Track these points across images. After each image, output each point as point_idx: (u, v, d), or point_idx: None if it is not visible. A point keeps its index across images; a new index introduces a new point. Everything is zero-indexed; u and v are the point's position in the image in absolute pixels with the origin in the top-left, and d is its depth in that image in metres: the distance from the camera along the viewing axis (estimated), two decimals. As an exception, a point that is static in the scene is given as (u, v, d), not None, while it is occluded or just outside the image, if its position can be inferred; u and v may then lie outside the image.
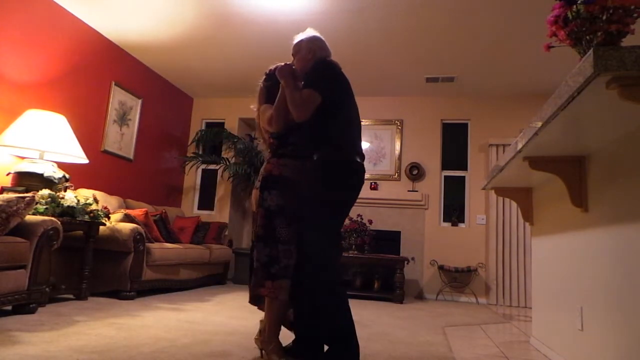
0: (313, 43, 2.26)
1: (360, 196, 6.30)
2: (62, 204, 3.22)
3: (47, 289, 2.94)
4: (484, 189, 3.09)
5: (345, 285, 5.35)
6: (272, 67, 2.35)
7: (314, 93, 2.02)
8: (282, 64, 2.19)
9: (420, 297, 5.46)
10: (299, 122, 2.06)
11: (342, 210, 2.05)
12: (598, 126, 1.63)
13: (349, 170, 2.05)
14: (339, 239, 2.14)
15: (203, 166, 6.27)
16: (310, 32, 2.31)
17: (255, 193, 2.19)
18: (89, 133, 4.50)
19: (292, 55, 2.31)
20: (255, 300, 2.16)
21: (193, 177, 6.34)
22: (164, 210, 4.78)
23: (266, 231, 2.04)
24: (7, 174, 3.42)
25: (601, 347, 1.85)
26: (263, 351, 2.09)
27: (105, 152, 4.75)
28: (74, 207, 3.28)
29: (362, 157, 2.10)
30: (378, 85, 5.61)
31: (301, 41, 2.28)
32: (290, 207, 2.06)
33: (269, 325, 2.06)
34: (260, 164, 5.58)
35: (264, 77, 2.38)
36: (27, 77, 3.77)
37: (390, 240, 5.64)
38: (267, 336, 2.06)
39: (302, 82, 2.14)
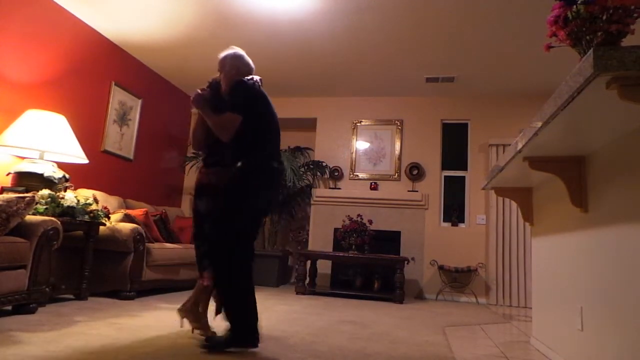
0: (236, 60, 2.49)
1: (360, 196, 6.33)
2: (62, 204, 3.22)
3: (47, 289, 2.94)
4: (484, 189, 3.09)
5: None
6: (216, 77, 2.56)
7: (233, 116, 2.28)
8: (196, 92, 2.38)
9: (420, 297, 5.46)
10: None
11: (261, 210, 2.33)
12: (598, 126, 1.63)
13: (269, 174, 2.33)
14: (254, 237, 2.37)
15: (203, 166, 6.27)
16: (233, 49, 2.52)
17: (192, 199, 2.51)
18: (89, 133, 4.50)
19: (218, 71, 2.52)
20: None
21: (193, 177, 6.34)
22: (164, 210, 4.78)
23: (199, 231, 2.41)
24: (7, 174, 3.42)
25: (601, 347, 1.85)
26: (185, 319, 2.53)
27: (105, 152, 4.75)
28: (74, 207, 3.28)
29: (280, 161, 2.41)
30: (378, 85, 5.61)
31: (225, 58, 2.50)
32: (216, 210, 2.31)
33: (195, 301, 2.43)
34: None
35: (207, 84, 2.55)
36: (27, 77, 3.77)
37: (390, 240, 5.64)
38: (190, 306, 2.41)
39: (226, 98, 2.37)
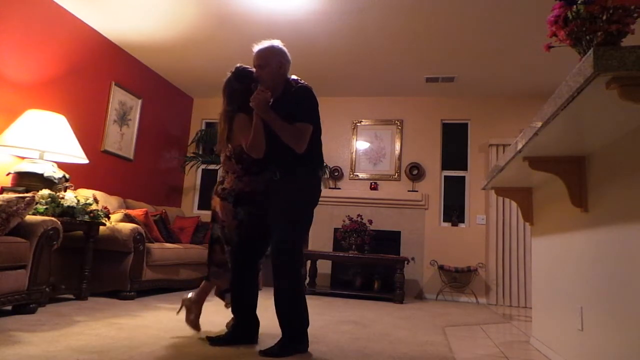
0: (283, 57, 2.32)
1: (360, 196, 6.31)
2: (62, 204, 3.22)
3: (47, 289, 2.94)
4: (484, 189, 3.09)
5: (344, 285, 5.37)
6: (239, 65, 2.43)
7: (308, 126, 2.22)
8: (257, 91, 2.21)
9: (420, 297, 5.46)
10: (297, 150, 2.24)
11: (311, 217, 2.35)
12: (598, 126, 1.63)
13: (319, 184, 2.37)
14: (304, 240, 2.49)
15: (203, 166, 6.27)
16: (274, 43, 2.34)
17: (223, 204, 2.44)
18: (89, 133, 4.49)
19: (259, 66, 2.29)
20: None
21: (193, 177, 6.34)
22: (164, 210, 4.78)
23: (240, 237, 2.46)
24: (7, 174, 3.42)
25: (601, 347, 1.85)
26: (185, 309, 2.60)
27: (105, 152, 4.75)
28: (74, 207, 3.28)
29: (322, 168, 2.45)
30: (378, 85, 5.61)
31: (270, 52, 2.29)
32: (257, 217, 2.39)
33: (199, 299, 2.59)
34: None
35: (233, 74, 2.42)
36: (27, 77, 3.76)
37: (390, 240, 5.64)
38: (196, 300, 2.59)
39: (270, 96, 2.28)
